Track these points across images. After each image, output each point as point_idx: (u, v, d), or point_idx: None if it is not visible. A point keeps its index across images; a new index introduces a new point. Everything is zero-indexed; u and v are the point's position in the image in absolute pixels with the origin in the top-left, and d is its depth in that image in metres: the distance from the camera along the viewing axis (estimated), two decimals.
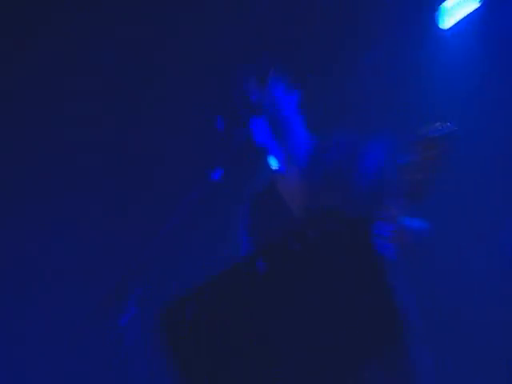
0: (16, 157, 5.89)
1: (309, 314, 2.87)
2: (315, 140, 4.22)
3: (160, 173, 6.09)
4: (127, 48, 5.79)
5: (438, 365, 3.30)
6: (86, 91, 5.84)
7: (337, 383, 2.86)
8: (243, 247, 4.11)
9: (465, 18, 5.81)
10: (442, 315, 5.16)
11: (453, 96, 5.68)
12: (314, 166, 4.06)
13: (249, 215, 4.18)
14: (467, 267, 5.42)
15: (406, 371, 3.30)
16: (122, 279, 3.36)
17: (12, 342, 6.03)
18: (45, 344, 5.97)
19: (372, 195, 3.63)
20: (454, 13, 5.80)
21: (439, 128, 2.94)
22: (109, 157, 6.10)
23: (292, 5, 5.71)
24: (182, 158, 5.92)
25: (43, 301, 6.05)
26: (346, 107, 5.84)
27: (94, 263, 5.95)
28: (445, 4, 5.84)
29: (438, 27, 5.90)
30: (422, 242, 3.27)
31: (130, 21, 5.69)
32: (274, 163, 4.17)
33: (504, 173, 5.50)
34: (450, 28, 5.84)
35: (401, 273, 3.22)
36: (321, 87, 5.60)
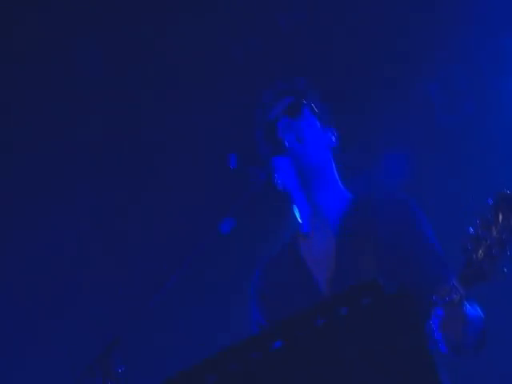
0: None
1: None
2: (351, 193, 3.54)
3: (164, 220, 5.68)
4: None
5: None
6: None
7: None
8: (254, 321, 3.48)
9: None
10: None
11: None
12: (351, 228, 3.38)
13: (261, 283, 3.52)
14: None
15: None
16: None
17: None
18: None
19: (420, 268, 3.20)
20: None
21: None
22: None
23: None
24: (187, 205, 5.45)
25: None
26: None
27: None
28: None
29: None
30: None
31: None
32: (296, 216, 3.47)
33: None
34: None
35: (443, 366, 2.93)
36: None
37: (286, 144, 3.33)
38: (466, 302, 2.81)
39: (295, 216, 3.47)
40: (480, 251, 2.68)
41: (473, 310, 3.00)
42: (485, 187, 4.78)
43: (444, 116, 5.56)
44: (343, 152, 3.51)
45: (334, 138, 3.53)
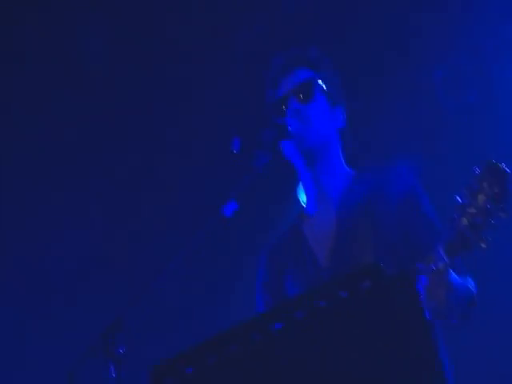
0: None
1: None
2: (355, 172, 3.53)
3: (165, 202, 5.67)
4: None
5: None
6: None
7: None
8: (258, 303, 3.48)
9: None
10: None
11: None
12: (351, 205, 3.37)
13: (266, 264, 3.50)
14: None
15: None
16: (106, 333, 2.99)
17: None
18: None
19: (415, 243, 3.16)
20: None
21: None
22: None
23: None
24: (190, 188, 5.45)
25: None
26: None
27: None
28: None
29: None
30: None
31: None
32: (301, 198, 3.48)
33: None
34: None
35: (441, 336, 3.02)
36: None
37: (290, 128, 3.31)
38: (451, 270, 2.78)
39: (299, 198, 3.46)
40: (464, 219, 2.65)
41: (461, 280, 2.99)
42: None
43: (448, 104, 5.55)
44: (351, 132, 3.50)
45: (342, 117, 3.50)
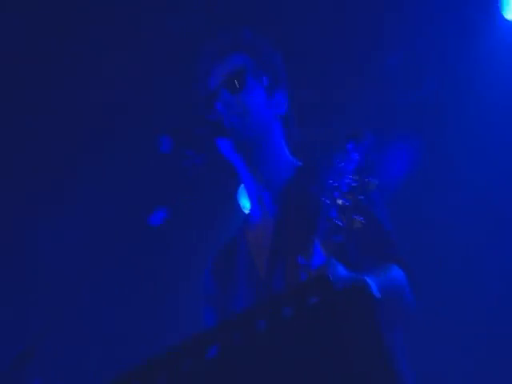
0: None
1: None
2: (302, 164, 3.24)
3: None
4: None
5: None
6: None
7: None
8: (205, 316, 3.23)
9: None
10: None
11: None
12: (288, 198, 3.09)
13: (210, 275, 3.25)
14: None
15: None
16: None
17: None
18: None
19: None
20: None
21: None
22: None
23: None
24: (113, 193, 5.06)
25: None
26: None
27: None
28: None
29: (502, 17, 5.35)
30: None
31: None
32: (242, 202, 3.19)
33: None
34: None
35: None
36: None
37: (226, 123, 3.02)
38: (336, 264, 2.55)
39: (240, 203, 3.18)
40: (334, 203, 2.49)
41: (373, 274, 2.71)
42: (449, 169, 4.64)
43: (405, 93, 5.36)
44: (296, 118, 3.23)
45: (283, 102, 3.23)
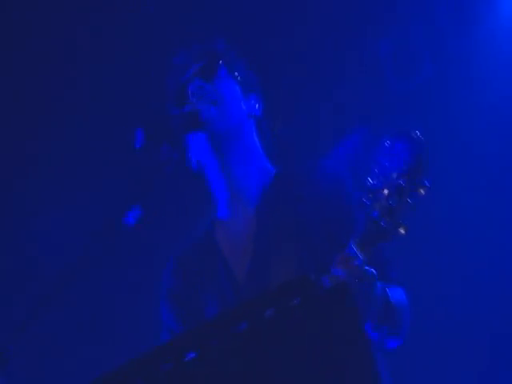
0: None
1: None
2: (278, 170, 3.17)
3: None
4: None
5: None
6: None
7: None
8: (165, 327, 3.11)
9: None
10: None
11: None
12: (268, 204, 3.03)
13: (173, 281, 3.13)
14: None
15: None
16: None
17: None
18: None
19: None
20: None
21: None
22: None
23: None
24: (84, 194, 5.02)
25: None
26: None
27: None
28: None
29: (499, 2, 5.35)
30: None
31: None
32: (214, 201, 3.10)
33: None
34: None
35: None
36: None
37: (201, 115, 2.93)
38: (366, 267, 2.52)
39: (213, 200, 3.07)
40: (376, 205, 2.42)
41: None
42: (443, 160, 4.55)
43: (397, 81, 5.31)
44: (270, 126, 3.18)
45: (256, 105, 3.15)
